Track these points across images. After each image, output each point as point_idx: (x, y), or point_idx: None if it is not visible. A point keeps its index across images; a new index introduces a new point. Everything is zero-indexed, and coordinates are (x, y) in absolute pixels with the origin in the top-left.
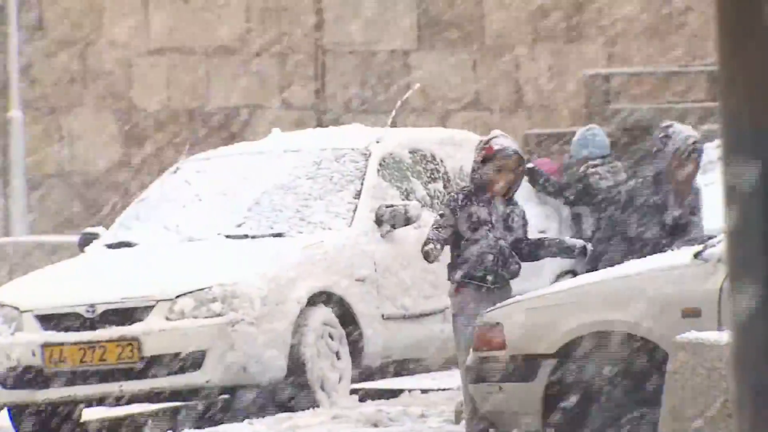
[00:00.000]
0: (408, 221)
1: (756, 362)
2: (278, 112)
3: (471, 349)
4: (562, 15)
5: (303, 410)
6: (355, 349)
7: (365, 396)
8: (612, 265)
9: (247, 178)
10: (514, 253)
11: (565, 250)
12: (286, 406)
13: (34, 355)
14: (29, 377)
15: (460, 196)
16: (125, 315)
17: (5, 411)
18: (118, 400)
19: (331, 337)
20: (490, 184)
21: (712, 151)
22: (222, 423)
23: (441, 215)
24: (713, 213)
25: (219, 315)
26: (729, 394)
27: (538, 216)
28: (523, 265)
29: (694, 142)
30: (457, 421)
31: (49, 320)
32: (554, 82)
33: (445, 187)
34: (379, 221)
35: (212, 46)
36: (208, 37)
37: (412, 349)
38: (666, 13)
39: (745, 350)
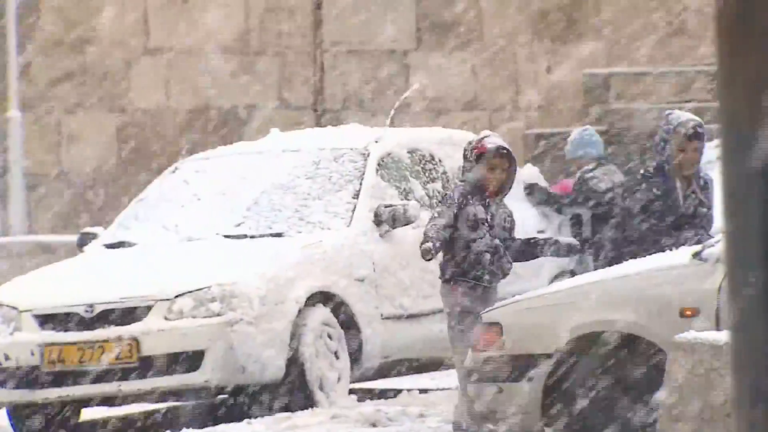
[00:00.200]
0: (407, 221)
1: (754, 362)
2: (277, 112)
3: (470, 349)
4: (561, 15)
5: (302, 410)
6: (354, 349)
7: (364, 396)
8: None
9: (245, 178)
10: (507, 253)
11: (560, 250)
12: (285, 406)
13: (32, 354)
14: (28, 377)
15: (457, 195)
16: (124, 315)
17: (4, 411)
18: (117, 400)
19: (329, 336)
20: (485, 183)
21: (712, 151)
22: (221, 422)
23: (439, 214)
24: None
25: (218, 315)
26: (728, 394)
27: (537, 216)
28: (522, 265)
29: (695, 126)
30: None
31: (47, 320)
32: (553, 82)
33: (444, 187)
34: (378, 221)
35: (211, 45)
36: (206, 37)
37: (411, 348)
38: (665, 12)
39: (743, 350)
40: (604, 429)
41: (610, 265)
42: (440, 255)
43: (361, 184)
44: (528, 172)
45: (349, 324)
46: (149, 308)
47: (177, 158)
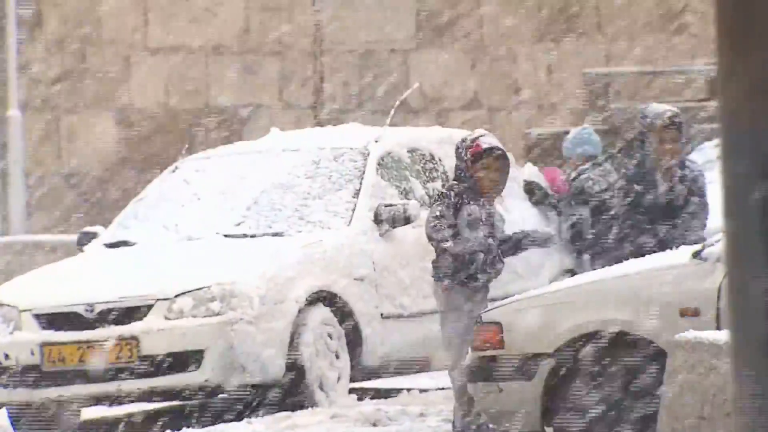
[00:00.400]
0: (407, 220)
1: (754, 362)
2: (277, 112)
3: (470, 349)
4: (561, 14)
5: (302, 409)
6: (354, 348)
7: (364, 395)
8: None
9: (245, 178)
10: (500, 252)
11: (536, 241)
12: (285, 406)
13: (32, 354)
14: (28, 376)
15: (452, 195)
16: (124, 314)
17: (4, 410)
18: (117, 400)
19: (329, 336)
20: (480, 182)
21: (712, 150)
22: (221, 422)
23: (440, 213)
24: (713, 212)
25: (218, 314)
26: (728, 394)
27: (537, 216)
28: (522, 264)
29: (671, 116)
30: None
31: (47, 319)
32: (553, 82)
33: (443, 186)
34: (377, 220)
35: (211, 45)
36: (206, 37)
37: (411, 348)
38: (666, 12)
39: (743, 350)
40: (604, 428)
41: (604, 264)
42: (433, 254)
43: (361, 183)
44: (528, 171)
45: (349, 323)
46: (149, 308)
47: (177, 158)
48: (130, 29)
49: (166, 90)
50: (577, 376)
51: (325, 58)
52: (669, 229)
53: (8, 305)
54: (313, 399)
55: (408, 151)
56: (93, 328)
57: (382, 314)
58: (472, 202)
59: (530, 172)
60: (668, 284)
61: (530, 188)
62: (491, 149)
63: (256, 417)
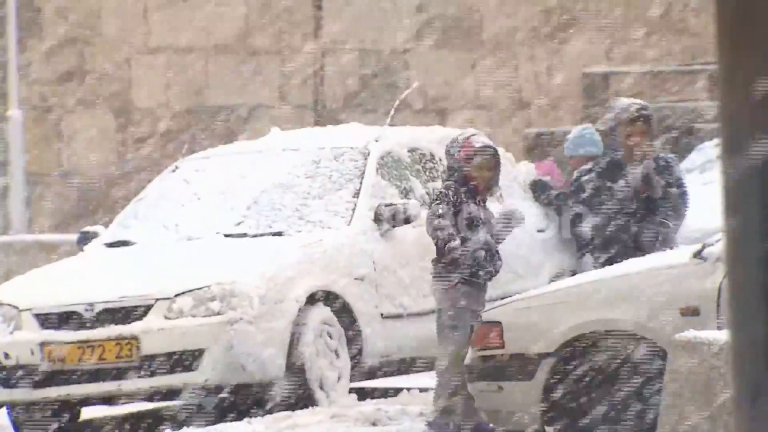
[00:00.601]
0: (407, 220)
1: (755, 361)
2: (277, 111)
3: (470, 348)
4: (561, 14)
5: (302, 409)
6: (354, 348)
7: (364, 395)
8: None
9: (245, 177)
10: (497, 250)
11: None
12: (285, 405)
13: (32, 353)
14: (28, 376)
15: (451, 194)
16: (124, 314)
17: (4, 410)
18: (117, 399)
19: (330, 335)
20: (474, 181)
21: (712, 150)
22: (221, 422)
23: (441, 211)
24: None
25: (218, 314)
26: (728, 393)
27: (538, 215)
28: (522, 264)
29: (638, 109)
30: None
31: (47, 319)
32: (553, 81)
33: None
34: (378, 220)
35: (211, 44)
36: (207, 36)
37: (411, 347)
38: (665, 12)
39: (743, 350)
40: (604, 428)
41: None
42: (434, 252)
43: (361, 183)
44: (524, 170)
45: (349, 323)
46: (149, 307)
47: (177, 157)
48: (130, 29)
49: (166, 90)
50: (577, 376)
51: (325, 58)
52: (644, 223)
53: (8, 305)
54: (313, 399)
55: (408, 151)
56: (93, 327)
57: (382, 314)
58: (470, 201)
59: (527, 170)
60: (668, 284)
61: (535, 187)
62: (483, 148)
63: (256, 417)
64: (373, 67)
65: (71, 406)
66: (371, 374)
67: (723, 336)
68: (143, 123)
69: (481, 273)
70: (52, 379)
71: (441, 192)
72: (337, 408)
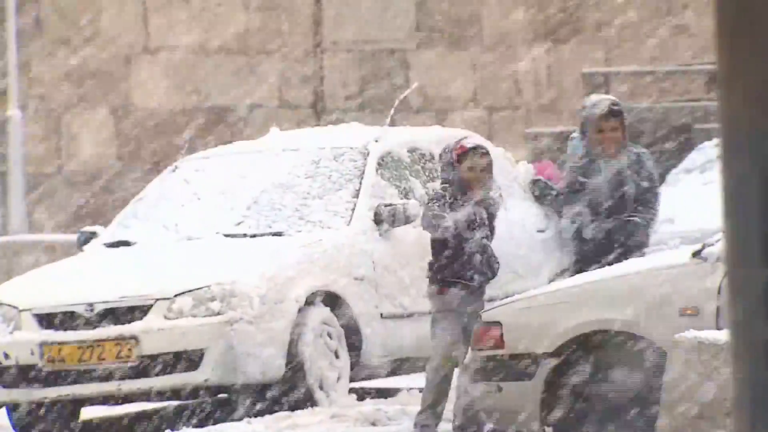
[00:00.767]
0: (407, 220)
1: (754, 361)
2: (277, 111)
3: (470, 348)
4: (561, 14)
5: (301, 409)
6: (354, 348)
7: (364, 395)
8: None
9: (245, 177)
10: (494, 251)
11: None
12: (285, 405)
13: (32, 354)
14: (28, 376)
15: (447, 195)
16: (124, 314)
17: (4, 410)
18: (117, 399)
19: (329, 336)
20: (468, 183)
21: (712, 150)
22: (221, 422)
23: (437, 215)
24: (712, 212)
25: (218, 314)
26: (728, 394)
27: (538, 215)
28: (522, 264)
29: (610, 104)
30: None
31: (47, 319)
32: (553, 81)
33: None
34: (377, 220)
35: (211, 44)
36: (206, 36)
37: (411, 348)
38: (665, 12)
39: (743, 350)
40: (604, 428)
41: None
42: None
43: (361, 183)
44: (523, 170)
45: (348, 323)
46: (149, 307)
47: (177, 157)
48: (130, 29)
49: (166, 90)
50: (577, 376)
51: (325, 58)
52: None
53: (8, 305)
54: (313, 399)
55: (408, 151)
56: (93, 327)
57: (382, 314)
58: (465, 204)
59: (526, 170)
60: (668, 284)
61: (535, 187)
62: (476, 147)
63: (256, 417)
64: (373, 67)
65: (71, 406)
66: (371, 374)
67: (723, 336)
68: (143, 123)
69: (476, 276)
70: (52, 379)
71: (437, 192)
72: (337, 408)
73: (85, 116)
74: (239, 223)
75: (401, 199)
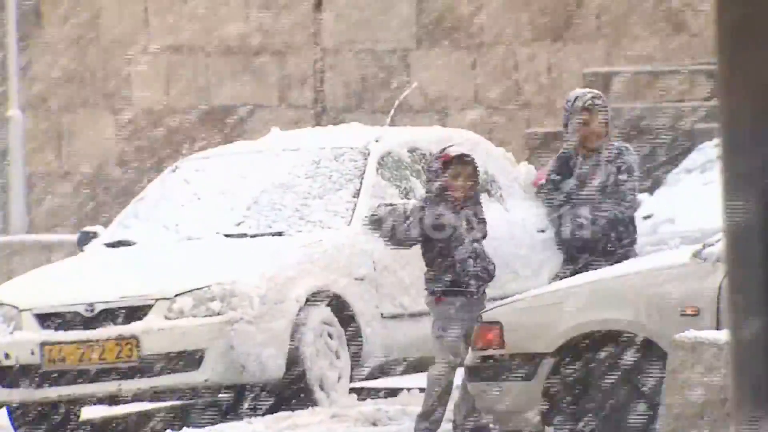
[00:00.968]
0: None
1: (754, 361)
2: (277, 111)
3: (470, 349)
4: (561, 13)
5: (302, 409)
6: (354, 348)
7: (364, 395)
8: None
9: (246, 177)
10: (487, 254)
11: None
12: (285, 405)
13: (33, 353)
14: (28, 376)
15: (428, 205)
16: (124, 314)
17: (4, 410)
18: (117, 399)
19: (330, 336)
20: (451, 190)
21: (712, 150)
22: (221, 422)
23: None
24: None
25: (218, 314)
26: (728, 394)
27: (538, 215)
28: (522, 264)
29: (592, 98)
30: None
31: (48, 319)
32: (554, 81)
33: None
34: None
35: (211, 44)
36: (207, 36)
37: (411, 347)
38: (666, 11)
39: (743, 350)
40: (604, 428)
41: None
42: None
43: (361, 183)
44: (524, 170)
45: (349, 323)
46: (149, 307)
47: (177, 157)
48: (130, 29)
49: (166, 90)
50: (577, 376)
51: (325, 58)
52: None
53: (8, 305)
54: (313, 399)
55: (408, 151)
56: (93, 327)
57: (382, 314)
58: (449, 211)
59: (527, 170)
60: (668, 284)
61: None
62: (460, 156)
63: (256, 417)
64: (373, 67)
65: (71, 406)
66: (371, 374)
67: (723, 336)
68: (143, 123)
69: (472, 283)
70: (52, 379)
71: (423, 199)
72: (337, 408)
73: (85, 116)
74: (239, 223)
75: (401, 199)
